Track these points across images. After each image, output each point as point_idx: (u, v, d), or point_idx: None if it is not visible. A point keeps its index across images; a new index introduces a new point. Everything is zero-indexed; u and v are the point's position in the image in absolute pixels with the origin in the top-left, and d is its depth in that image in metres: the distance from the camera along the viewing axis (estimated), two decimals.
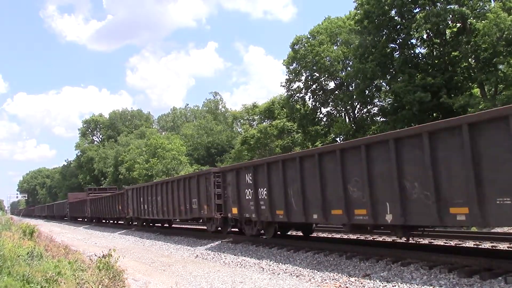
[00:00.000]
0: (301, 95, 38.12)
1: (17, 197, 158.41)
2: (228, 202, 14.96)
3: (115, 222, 33.88)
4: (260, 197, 12.92)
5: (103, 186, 58.31)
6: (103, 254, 8.78)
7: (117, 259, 8.84)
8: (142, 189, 23.72)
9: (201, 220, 18.84)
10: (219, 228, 16.48)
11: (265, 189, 12.62)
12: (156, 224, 25.52)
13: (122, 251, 14.72)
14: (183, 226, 26.17)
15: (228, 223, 15.78)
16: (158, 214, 21.33)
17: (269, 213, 12.51)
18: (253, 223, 14.10)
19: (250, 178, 13.28)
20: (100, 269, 8.10)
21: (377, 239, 14.26)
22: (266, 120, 46.37)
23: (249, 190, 13.41)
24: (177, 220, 23.58)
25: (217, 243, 15.84)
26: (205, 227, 17.90)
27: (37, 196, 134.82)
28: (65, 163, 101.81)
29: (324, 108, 38.19)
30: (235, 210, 14.29)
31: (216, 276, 9.85)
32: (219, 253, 13.52)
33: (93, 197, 38.91)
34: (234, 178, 14.31)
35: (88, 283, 7.13)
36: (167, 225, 24.98)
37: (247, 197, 13.56)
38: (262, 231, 14.08)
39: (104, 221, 36.51)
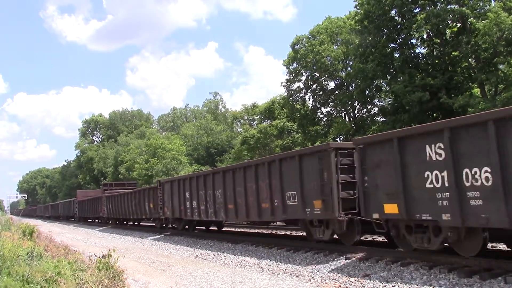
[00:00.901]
0: (301, 95, 38.15)
1: (16, 197, 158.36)
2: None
3: (138, 223, 29.64)
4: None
5: (119, 181, 50.31)
6: (103, 254, 8.77)
7: (117, 259, 8.83)
8: (189, 181, 18.01)
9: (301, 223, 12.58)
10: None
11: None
12: (198, 227, 20.63)
13: (121, 251, 14.71)
14: (245, 230, 21.16)
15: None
16: (217, 215, 15.75)
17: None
18: None
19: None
20: (100, 269, 8.10)
21: (377, 239, 14.25)
22: (266, 120, 46.38)
23: None
24: (244, 223, 19.91)
25: (214, 243, 15.86)
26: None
27: (37, 196, 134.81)
28: (65, 163, 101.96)
29: (324, 108, 38.22)
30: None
31: (216, 276, 9.85)
32: (219, 253, 13.52)
33: (111, 193, 33.17)
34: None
35: (88, 283, 7.12)
36: (216, 228, 20.88)
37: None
38: None
39: (125, 222, 31.35)
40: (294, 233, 17.91)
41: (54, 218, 63.35)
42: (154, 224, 24.78)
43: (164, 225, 22.23)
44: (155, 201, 21.97)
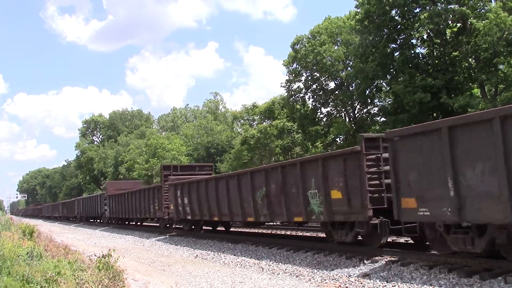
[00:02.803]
0: (301, 95, 38.12)
1: (16, 197, 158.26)
2: None
3: (219, 230, 20.70)
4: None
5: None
6: (103, 254, 8.78)
7: (117, 259, 8.84)
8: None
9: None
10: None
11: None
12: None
13: (121, 251, 14.71)
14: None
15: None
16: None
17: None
18: None
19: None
20: (100, 269, 8.10)
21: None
22: (266, 120, 46.35)
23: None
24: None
25: (214, 242, 15.84)
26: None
27: (37, 196, 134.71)
28: (65, 163, 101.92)
29: (324, 108, 38.16)
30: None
31: (215, 276, 9.84)
32: (219, 253, 13.51)
33: (180, 180, 20.01)
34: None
35: (88, 283, 7.12)
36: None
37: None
38: None
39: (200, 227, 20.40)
40: (294, 233, 17.92)
41: (66, 220, 52.01)
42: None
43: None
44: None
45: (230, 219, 16.54)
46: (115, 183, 38.00)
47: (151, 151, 52.80)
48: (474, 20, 23.20)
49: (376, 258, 9.68)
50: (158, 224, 25.03)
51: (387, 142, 9.08)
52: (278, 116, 43.21)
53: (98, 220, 38.84)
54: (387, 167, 9.32)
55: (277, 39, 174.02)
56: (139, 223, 29.67)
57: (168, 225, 22.54)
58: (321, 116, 38.44)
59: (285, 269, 10.14)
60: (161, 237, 20.92)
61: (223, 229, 20.33)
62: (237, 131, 56.71)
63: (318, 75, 36.31)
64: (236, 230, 21.18)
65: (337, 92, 36.30)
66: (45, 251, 10.68)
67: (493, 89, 24.43)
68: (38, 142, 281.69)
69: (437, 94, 23.96)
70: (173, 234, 21.27)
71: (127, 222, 30.96)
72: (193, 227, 20.04)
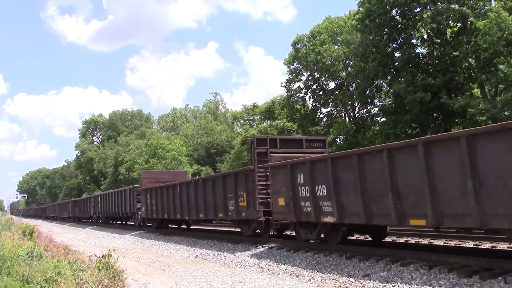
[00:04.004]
0: (301, 95, 38.16)
1: (16, 197, 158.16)
2: None
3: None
4: None
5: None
6: (103, 254, 8.78)
7: (117, 259, 8.84)
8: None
9: None
10: None
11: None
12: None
13: (121, 251, 14.71)
14: None
15: None
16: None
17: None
18: None
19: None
20: (100, 269, 8.10)
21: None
22: (266, 121, 46.39)
23: None
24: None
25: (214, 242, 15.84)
26: None
27: (37, 197, 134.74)
28: (65, 164, 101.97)
29: (324, 108, 38.21)
30: None
31: (215, 276, 9.84)
32: (219, 253, 13.52)
33: (280, 161, 12.96)
34: None
35: (88, 283, 7.12)
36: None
37: None
38: None
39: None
40: (294, 233, 17.89)
41: (78, 222, 44.19)
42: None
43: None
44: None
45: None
46: (151, 174, 28.29)
47: (151, 151, 52.81)
48: (474, 20, 23.22)
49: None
50: (245, 230, 15.34)
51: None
52: (278, 116, 43.25)
53: (122, 222, 32.13)
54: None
55: (277, 39, 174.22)
56: (191, 226, 23.70)
57: (274, 232, 14.74)
58: (321, 116, 38.49)
59: (285, 269, 10.15)
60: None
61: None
62: (237, 131, 56.76)
63: (318, 75, 36.36)
64: (236, 230, 21.18)
65: (337, 92, 36.33)
66: (45, 251, 10.68)
67: (493, 89, 24.44)
68: (38, 142, 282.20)
69: (437, 94, 23.98)
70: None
71: (170, 225, 23.58)
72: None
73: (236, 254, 13.11)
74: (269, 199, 13.33)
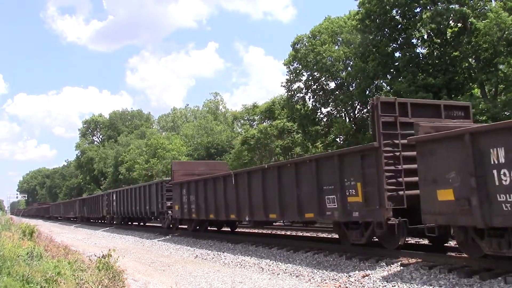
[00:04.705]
0: (301, 95, 38.13)
1: (17, 197, 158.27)
2: None
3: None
4: None
5: None
6: (103, 254, 8.78)
7: (117, 259, 8.85)
8: None
9: None
10: None
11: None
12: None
13: (121, 251, 14.71)
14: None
15: None
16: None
17: None
18: None
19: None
20: (100, 269, 8.10)
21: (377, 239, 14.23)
22: (266, 120, 46.35)
23: None
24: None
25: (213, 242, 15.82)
26: None
27: (37, 197, 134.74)
28: (65, 164, 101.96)
29: (324, 108, 38.17)
30: None
31: (215, 276, 9.84)
32: (219, 253, 13.51)
33: (430, 132, 8.62)
34: None
35: (88, 283, 7.12)
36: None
37: None
38: None
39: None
40: (294, 233, 17.91)
41: (86, 222, 40.34)
42: None
43: None
44: None
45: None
46: (185, 165, 23.93)
47: (151, 151, 52.81)
48: (474, 20, 23.21)
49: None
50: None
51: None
52: (278, 116, 43.22)
53: (140, 223, 28.78)
54: None
55: (277, 39, 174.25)
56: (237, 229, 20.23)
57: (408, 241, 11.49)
58: (321, 116, 38.45)
59: (285, 269, 10.14)
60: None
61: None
62: (237, 131, 56.76)
63: (318, 75, 36.32)
64: (237, 230, 21.19)
65: (337, 92, 36.30)
66: (45, 251, 10.68)
67: (493, 89, 24.43)
68: (38, 142, 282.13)
69: (437, 94, 23.97)
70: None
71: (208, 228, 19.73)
72: None
73: (236, 254, 13.11)
74: (400, 192, 9.39)
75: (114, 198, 29.99)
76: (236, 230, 19.98)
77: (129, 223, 29.93)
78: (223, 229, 20.28)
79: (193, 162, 27.62)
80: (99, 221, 37.03)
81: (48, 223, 49.98)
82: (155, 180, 24.90)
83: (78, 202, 44.04)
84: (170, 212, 20.49)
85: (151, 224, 27.81)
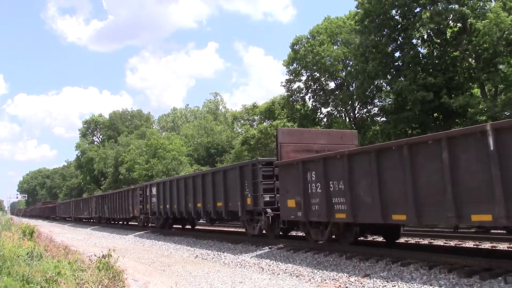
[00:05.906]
0: (301, 95, 38.14)
1: (17, 197, 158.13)
2: None
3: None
4: None
5: None
6: (103, 254, 8.77)
7: (117, 259, 8.83)
8: None
9: None
10: None
11: None
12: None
13: (122, 251, 14.71)
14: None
15: None
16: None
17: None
18: None
19: None
20: (100, 269, 8.09)
21: (377, 239, 14.24)
22: (266, 120, 46.36)
23: None
24: None
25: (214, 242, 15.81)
26: None
27: (37, 197, 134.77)
28: (65, 164, 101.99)
29: (324, 108, 38.20)
30: None
31: (215, 276, 9.84)
32: (219, 253, 13.51)
33: None
34: None
35: (88, 283, 7.12)
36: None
37: None
38: None
39: None
40: (294, 233, 17.90)
41: (107, 224, 32.35)
42: None
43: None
44: None
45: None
46: (295, 134, 13.93)
47: (152, 151, 52.81)
48: (474, 20, 23.23)
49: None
50: None
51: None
52: (278, 116, 43.22)
53: (192, 227, 22.84)
54: None
55: (277, 39, 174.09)
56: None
57: None
58: (321, 116, 38.46)
59: (285, 269, 10.14)
60: None
61: None
62: (237, 131, 56.76)
63: (318, 75, 36.35)
64: (236, 230, 21.18)
65: (337, 92, 36.31)
66: (45, 251, 10.68)
67: (493, 89, 24.45)
68: (39, 143, 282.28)
69: (438, 94, 24.00)
70: None
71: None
72: None
73: (236, 254, 13.11)
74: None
75: (154, 193, 22.55)
76: (231, 230, 19.55)
77: (174, 226, 22.77)
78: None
79: (305, 131, 16.90)
80: (124, 222, 30.23)
81: (56, 226, 40.27)
82: (240, 163, 16.79)
83: (95, 200, 35.48)
84: (269, 210, 13.47)
85: (217, 228, 21.15)
